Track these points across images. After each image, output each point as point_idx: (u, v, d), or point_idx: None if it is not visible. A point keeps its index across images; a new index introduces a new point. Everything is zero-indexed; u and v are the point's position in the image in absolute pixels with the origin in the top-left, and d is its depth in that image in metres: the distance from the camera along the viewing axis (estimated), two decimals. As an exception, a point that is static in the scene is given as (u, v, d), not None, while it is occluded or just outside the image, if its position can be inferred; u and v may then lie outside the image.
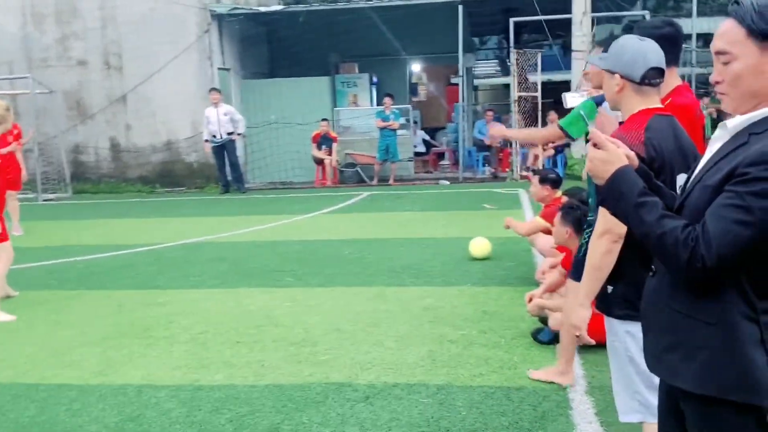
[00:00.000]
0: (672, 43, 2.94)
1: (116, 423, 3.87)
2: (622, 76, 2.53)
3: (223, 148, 14.46)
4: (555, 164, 15.31)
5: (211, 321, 5.68)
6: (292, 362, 4.66)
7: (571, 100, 3.61)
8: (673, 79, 2.99)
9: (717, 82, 1.81)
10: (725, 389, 1.72)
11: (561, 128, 4.42)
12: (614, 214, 1.93)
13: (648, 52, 2.52)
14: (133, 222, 11.46)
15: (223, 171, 14.76)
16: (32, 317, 6.01)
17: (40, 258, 8.51)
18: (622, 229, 2.49)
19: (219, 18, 15.51)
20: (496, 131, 5.45)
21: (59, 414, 4.02)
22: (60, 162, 15.78)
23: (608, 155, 1.87)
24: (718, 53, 1.78)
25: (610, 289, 2.60)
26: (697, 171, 1.87)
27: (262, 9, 16.33)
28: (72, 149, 15.91)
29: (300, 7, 16.17)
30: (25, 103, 15.49)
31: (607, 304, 2.63)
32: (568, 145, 15.35)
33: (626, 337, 2.60)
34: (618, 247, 2.51)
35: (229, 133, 14.43)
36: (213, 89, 14.68)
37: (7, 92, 15.71)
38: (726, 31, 1.75)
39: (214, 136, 14.37)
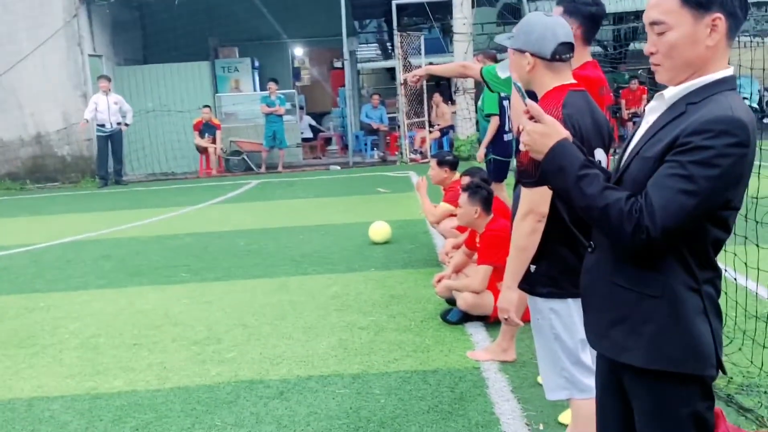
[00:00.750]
0: (596, 22, 2.97)
1: (6, 443, 3.53)
2: (532, 54, 2.50)
3: (109, 139, 13.73)
4: (441, 146, 15.55)
5: (103, 324, 5.32)
6: (196, 362, 4.43)
7: (502, 71, 3.56)
8: (584, 56, 3.01)
9: (651, 53, 1.79)
10: (675, 362, 1.72)
11: (483, 76, 4.38)
12: (554, 188, 1.89)
13: (556, 27, 2.50)
14: (4, 221, 10.64)
15: (105, 163, 13.98)
16: None
17: None
18: (545, 208, 2.48)
19: (88, 2, 14.59)
20: (419, 71, 5.33)
21: (-63, 439, 3.63)
22: None
23: (547, 128, 1.82)
24: (652, 23, 1.76)
25: (533, 268, 2.59)
26: (633, 143, 1.85)
27: (134, -8, 15.53)
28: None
29: (175, -10, 15.48)
30: None
31: (530, 283, 2.61)
32: (452, 128, 15.62)
33: (551, 315, 2.59)
34: (542, 226, 2.50)
35: (118, 123, 13.72)
36: (102, 76, 13.95)
37: None
38: (660, 1, 1.74)
39: (102, 125, 13.61)
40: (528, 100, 1.89)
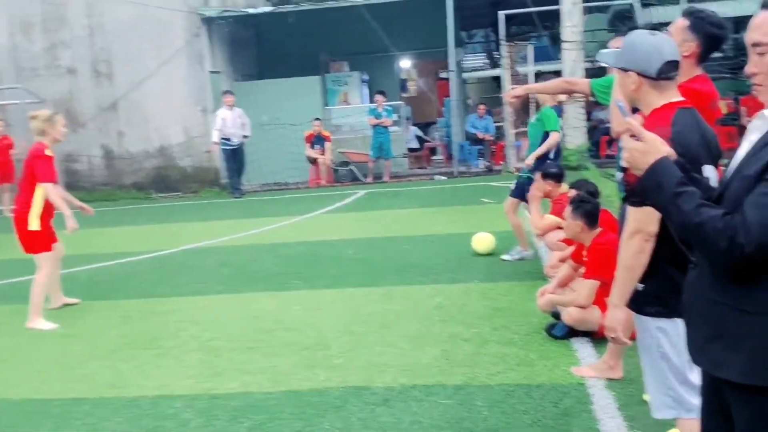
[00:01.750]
0: (716, 46, 2.96)
1: (135, 436, 3.83)
2: (637, 74, 2.50)
3: (236, 152, 14.38)
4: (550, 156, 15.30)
5: (221, 327, 5.64)
6: (306, 367, 4.63)
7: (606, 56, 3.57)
8: (694, 71, 2.98)
9: (753, 74, 1.79)
10: None
11: (592, 90, 4.38)
12: (652, 204, 1.94)
13: (663, 45, 2.49)
14: (131, 229, 11.39)
15: (234, 174, 14.63)
16: (38, 333, 5.95)
17: (32, 271, 8.40)
18: (654, 227, 2.47)
19: (208, 21, 15.41)
20: (518, 89, 5.40)
21: (75, 429, 3.98)
22: (52, 171, 15.65)
23: (647, 146, 1.87)
24: (754, 45, 1.76)
25: (640, 287, 2.58)
26: (735, 161, 1.86)
27: (251, 11, 16.24)
28: (64, 158, 15.76)
29: (289, 8, 16.09)
30: (16, 113, 15.34)
31: (638, 302, 2.61)
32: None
33: (658, 333, 2.58)
34: (650, 246, 2.49)
35: (244, 136, 14.36)
36: (227, 91, 14.60)
37: (-5, 103, 15.60)
38: (762, 22, 1.74)
39: (228, 139, 14.24)
40: (628, 118, 1.93)
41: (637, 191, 1.92)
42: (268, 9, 16.26)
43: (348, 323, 5.47)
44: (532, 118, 7.63)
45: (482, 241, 7.47)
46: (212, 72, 15.73)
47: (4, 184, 13.71)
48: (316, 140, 15.54)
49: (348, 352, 4.85)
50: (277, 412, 3.97)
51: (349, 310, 5.84)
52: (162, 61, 15.22)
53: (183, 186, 15.75)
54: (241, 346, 5.14)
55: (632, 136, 1.90)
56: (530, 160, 7.17)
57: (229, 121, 14.19)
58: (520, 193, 7.12)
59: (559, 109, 7.47)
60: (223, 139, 14.22)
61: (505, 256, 7.19)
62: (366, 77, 18.53)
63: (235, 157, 14.49)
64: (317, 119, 15.72)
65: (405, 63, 20.89)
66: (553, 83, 5.47)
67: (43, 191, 6.10)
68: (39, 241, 6.21)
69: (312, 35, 16.94)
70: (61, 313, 6.46)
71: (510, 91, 5.56)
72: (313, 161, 15.71)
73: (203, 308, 6.28)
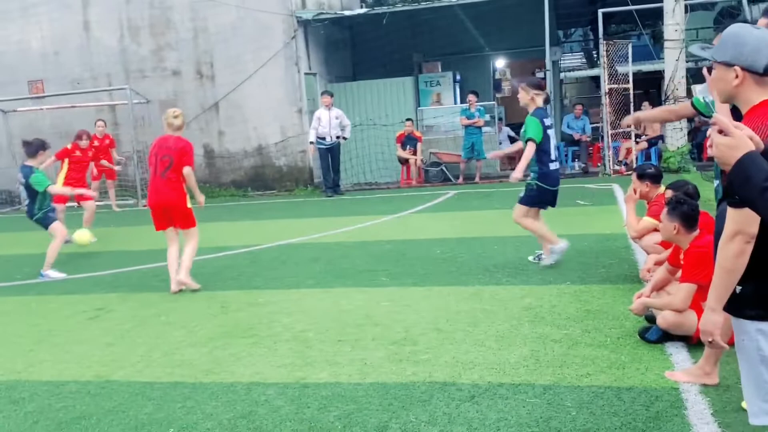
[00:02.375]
0: None
1: (229, 420, 3.99)
2: (742, 68, 2.42)
3: (329, 151, 14.68)
4: (649, 158, 14.85)
5: (312, 320, 5.79)
6: (394, 361, 4.70)
7: (703, 94, 3.58)
8: None
9: None
10: None
11: (694, 105, 4.45)
12: (741, 198, 1.90)
13: None
14: (229, 225, 11.80)
15: (327, 173, 14.93)
16: (143, 318, 6.28)
17: (145, 261, 8.88)
18: (754, 229, 2.39)
19: (305, 24, 15.79)
20: (628, 119, 5.41)
21: (175, 411, 4.18)
22: (157, 169, 16.42)
23: (734, 141, 1.84)
24: None
25: (739, 289, 2.49)
26: None
27: (347, 13, 16.53)
28: (168, 156, 16.53)
29: (383, 9, 16.28)
30: (124, 113, 16.20)
31: (736, 304, 2.52)
32: (661, 138, 14.86)
33: (758, 336, 2.48)
34: (750, 248, 2.40)
35: (338, 137, 14.64)
36: (325, 92, 14.93)
37: (106, 103, 16.51)
38: None
39: (323, 138, 14.55)
40: (715, 114, 1.90)
41: (726, 186, 1.89)
42: (362, 11, 16.50)
43: (435, 320, 5.51)
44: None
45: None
46: (307, 73, 16.09)
47: (109, 180, 14.48)
48: (408, 141, 15.66)
49: (435, 348, 4.89)
50: (364, 403, 4.05)
51: (436, 308, 5.88)
52: (261, 63, 15.71)
53: (278, 184, 16.19)
54: (330, 338, 5.27)
55: (720, 131, 1.87)
56: (518, 174, 7.07)
57: (324, 121, 14.47)
58: (541, 202, 7.10)
59: (543, 112, 7.10)
60: (318, 138, 14.51)
61: (539, 260, 7.15)
62: (459, 77, 18.50)
63: (329, 156, 14.78)
64: (409, 120, 15.83)
65: (499, 62, 20.71)
66: (658, 112, 5.49)
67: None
68: (193, 217, 7.52)
69: (405, 36, 17.07)
70: (164, 302, 6.79)
71: (625, 120, 5.61)
72: (404, 161, 15.83)
73: (296, 301, 6.46)
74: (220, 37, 15.96)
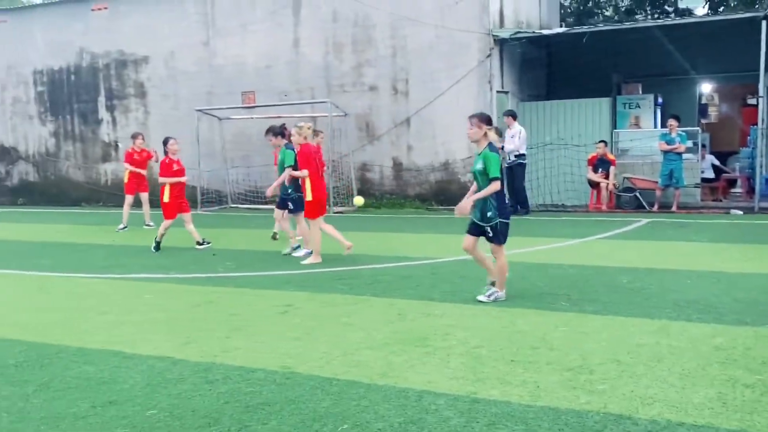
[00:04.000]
0: None
1: (400, 423, 4.12)
2: None
3: (510, 170, 14.68)
4: None
5: (486, 337, 5.81)
6: (567, 387, 4.60)
7: None
8: None
9: None
10: None
11: None
12: None
13: None
14: (412, 236, 12.11)
15: (511, 192, 14.95)
16: (326, 318, 6.64)
17: (331, 264, 9.37)
18: None
19: (501, 42, 15.85)
20: None
21: (350, 408, 4.39)
22: (349, 178, 17.23)
23: None
24: None
25: None
26: None
27: (546, 32, 16.38)
28: (360, 167, 17.29)
29: (584, 29, 15.93)
30: (323, 125, 17.19)
31: None
32: None
33: None
34: None
35: (516, 156, 14.59)
36: (506, 112, 15.01)
37: (308, 115, 17.60)
38: None
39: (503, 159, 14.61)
40: None
41: None
42: (562, 30, 16.27)
43: (615, 351, 5.31)
44: (479, 163, 6.96)
45: None
46: (500, 92, 16.12)
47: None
48: (600, 163, 15.17)
49: (613, 379, 4.72)
50: (534, 425, 4.01)
51: (617, 339, 5.66)
52: (454, 80, 15.99)
53: (460, 200, 16.29)
54: (504, 358, 5.25)
55: None
56: (467, 206, 6.97)
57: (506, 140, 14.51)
58: (505, 238, 7.02)
59: (496, 150, 6.94)
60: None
61: (480, 297, 7.04)
62: (660, 100, 17.63)
63: (510, 175, 14.71)
64: (602, 141, 15.33)
65: (706, 87, 19.47)
66: None
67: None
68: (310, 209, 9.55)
69: (605, 56, 16.58)
70: (346, 304, 7.13)
71: None
72: (595, 185, 15.34)
73: (471, 316, 6.51)
74: (417, 55, 16.44)
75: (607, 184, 15.16)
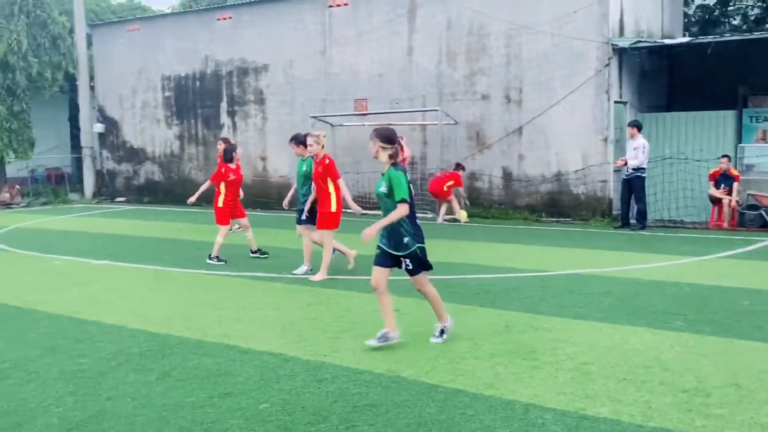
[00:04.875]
0: None
1: (505, 434, 4.11)
2: None
3: (628, 183, 14.32)
4: None
5: (596, 353, 5.68)
6: (682, 410, 4.44)
7: None
8: None
9: None
10: None
11: None
12: None
13: None
14: (520, 248, 11.96)
15: (623, 205, 14.59)
16: (432, 325, 6.66)
17: (438, 272, 9.35)
18: None
19: (620, 52, 15.41)
20: None
21: (455, 416, 4.41)
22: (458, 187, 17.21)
23: None
24: None
25: None
26: None
27: (668, 42, 15.80)
28: (468, 176, 17.23)
29: (709, 39, 15.25)
30: (433, 133, 17.27)
31: None
32: None
33: None
34: None
35: (634, 169, 14.18)
36: (631, 122, 14.64)
37: (419, 122, 17.74)
38: None
39: (618, 170, 14.27)
40: None
41: None
42: (685, 40, 15.64)
43: (734, 375, 5.06)
44: (383, 186, 6.03)
45: None
46: (617, 102, 15.67)
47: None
48: (722, 179, 14.46)
49: (731, 404, 4.51)
50: (645, 446, 3.90)
51: (737, 363, 5.39)
52: (570, 90, 15.67)
53: (574, 212, 15.97)
54: (615, 376, 5.12)
55: None
56: (374, 231, 6.00)
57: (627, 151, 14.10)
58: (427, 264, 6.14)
59: (403, 169, 6.02)
60: (615, 170, 14.14)
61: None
62: (792, 114, 16.59)
63: (627, 187, 14.28)
64: (725, 156, 14.61)
65: None
66: None
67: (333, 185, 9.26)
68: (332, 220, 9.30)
69: (731, 67, 15.79)
70: (452, 314, 7.13)
71: None
72: (716, 201, 14.62)
73: (581, 332, 6.37)
74: (532, 64, 16.24)
75: (730, 200, 14.42)
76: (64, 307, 7.75)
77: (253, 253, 11.20)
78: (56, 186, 26.53)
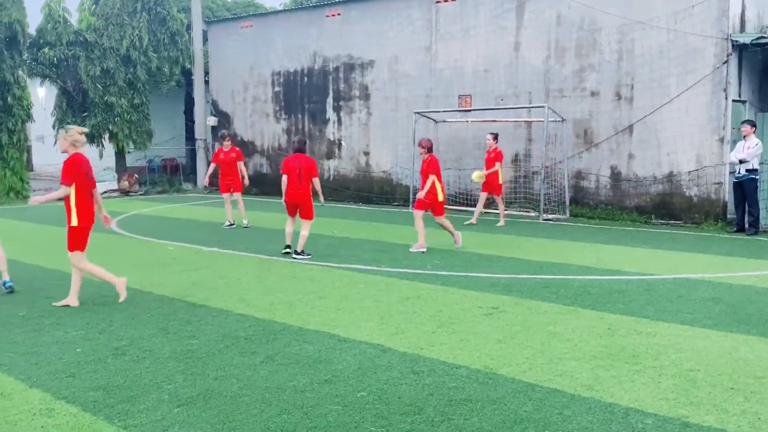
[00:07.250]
0: None
1: (603, 437, 4.03)
2: None
3: (740, 185, 13.62)
4: None
5: (702, 361, 5.46)
6: (795, 425, 4.21)
7: None
8: None
9: None
10: None
11: None
12: None
13: None
14: (626, 250, 11.60)
15: (736, 208, 13.89)
16: (531, 324, 6.62)
17: (538, 271, 9.28)
18: None
19: (740, 48, 14.65)
20: None
21: (552, 416, 4.37)
22: (562, 186, 16.86)
23: None
24: None
25: None
26: None
27: (793, 36, 14.86)
28: (574, 174, 16.85)
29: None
30: (538, 130, 16.98)
31: None
32: None
33: None
34: None
35: (748, 170, 13.46)
36: (745, 121, 13.90)
37: (524, 119, 17.48)
38: None
39: (733, 172, 13.60)
40: None
41: None
42: (813, 34, 14.66)
43: None
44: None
45: None
46: (735, 101, 14.90)
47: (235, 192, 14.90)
48: None
49: None
50: (752, 460, 3.74)
51: None
52: (684, 87, 15.04)
53: (685, 215, 15.32)
54: (722, 384, 4.92)
55: None
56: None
57: (737, 151, 13.41)
58: None
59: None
60: (731, 171, 13.46)
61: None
62: None
63: (740, 190, 13.56)
64: None
65: None
66: None
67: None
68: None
69: None
70: (552, 312, 7.04)
71: None
72: (844, 207, 13.67)
73: (687, 338, 6.14)
74: (645, 60, 15.68)
75: None
76: (176, 290, 8.18)
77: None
78: (171, 176, 27.89)
